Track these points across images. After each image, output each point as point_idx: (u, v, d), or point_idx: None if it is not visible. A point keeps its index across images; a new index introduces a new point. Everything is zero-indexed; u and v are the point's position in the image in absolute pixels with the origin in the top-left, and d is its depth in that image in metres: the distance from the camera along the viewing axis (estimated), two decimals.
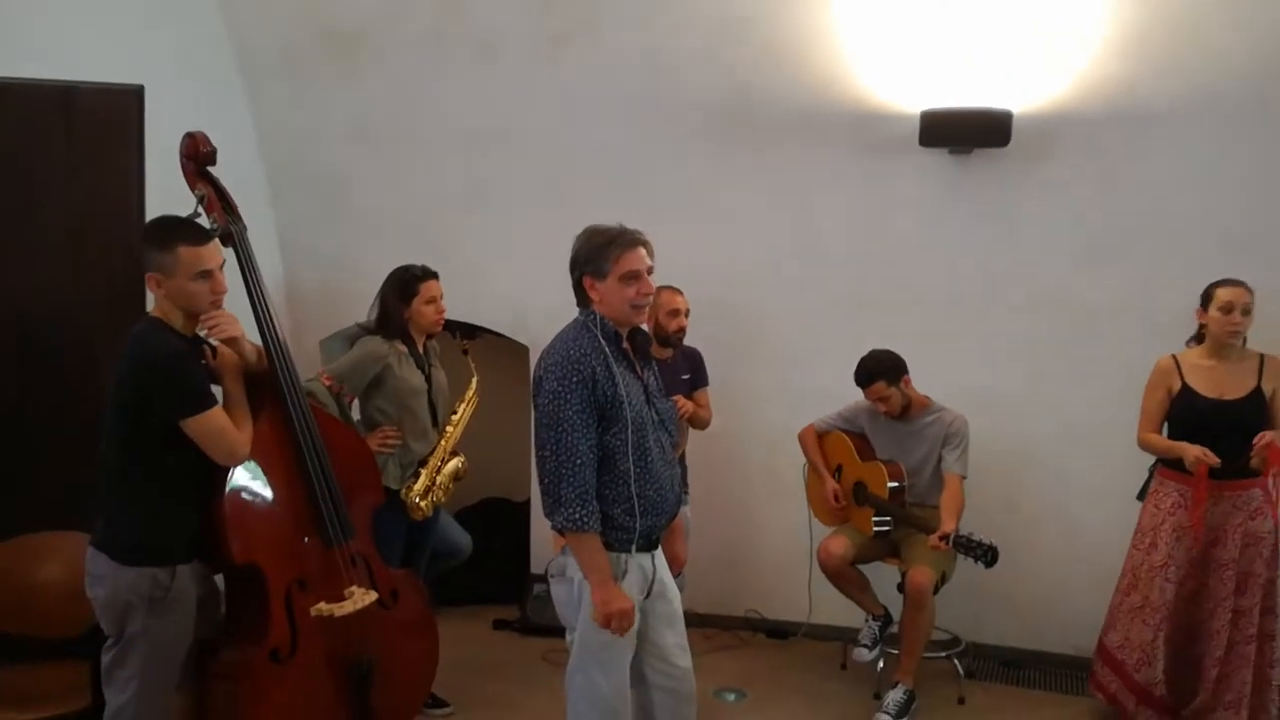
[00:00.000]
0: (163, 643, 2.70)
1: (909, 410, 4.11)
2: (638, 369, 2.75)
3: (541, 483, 2.65)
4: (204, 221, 2.91)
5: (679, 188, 4.62)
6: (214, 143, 3.00)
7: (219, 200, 3.00)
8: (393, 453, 3.67)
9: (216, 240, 2.83)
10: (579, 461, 2.57)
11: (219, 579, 2.95)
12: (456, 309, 3.88)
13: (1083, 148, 4.22)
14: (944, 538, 3.75)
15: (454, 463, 3.82)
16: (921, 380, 4.14)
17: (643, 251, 2.65)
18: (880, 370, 4.04)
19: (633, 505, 2.64)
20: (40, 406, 3.23)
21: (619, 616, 2.60)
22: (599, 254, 2.63)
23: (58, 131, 3.26)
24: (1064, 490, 4.41)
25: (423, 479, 3.71)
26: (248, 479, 2.85)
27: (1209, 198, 4.13)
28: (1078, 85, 4.17)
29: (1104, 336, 4.30)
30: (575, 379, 2.58)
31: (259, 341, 2.96)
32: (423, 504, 3.70)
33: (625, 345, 2.72)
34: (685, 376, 4.24)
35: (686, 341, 4.21)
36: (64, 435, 3.22)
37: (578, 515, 2.57)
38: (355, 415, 3.79)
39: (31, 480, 3.22)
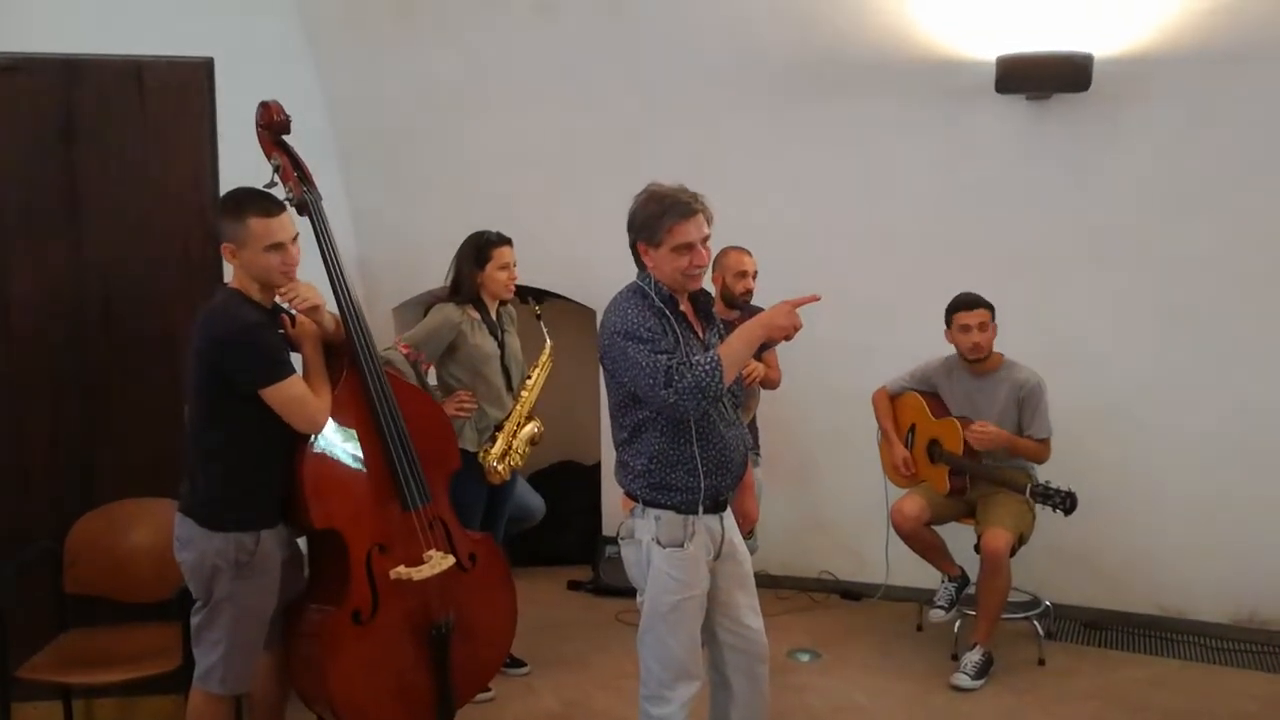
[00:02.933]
0: (249, 605, 2.76)
1: (984, 364, 4.02)
2: (698, 330, 2.73)
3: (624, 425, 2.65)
4: (279, 191, 2.92)
5: (746, 141, 4.55)
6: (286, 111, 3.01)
7: (294, 169, 3.00)
8: (469, 417, 3.69)
9: (288, 213, 2.83)
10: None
11: (301, 542, 3.01)
12: (523, 273, 3.88)
13: (1168, 92, 4.05)
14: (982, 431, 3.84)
15: (530, 427, 3.85)
16: (1001, 333, 4.03)
17: (699, 220, 2.59)
18: (983, 300, 3.95)
19: (695, 466, 2.62)
20: (125, 375, 3.31)
21: (784, 315, 2.60)
22: (653, 222, 2.60)
23: (132, 106, 3.30)
24: (1148, 447, 4.29)
25: (499, 443, 3.74)
26: (327, 446, 2.88)
27: None
28: (1162, 26, 3.99)
29: (1191, 288, 4.16)
30: (640, 336, 2.55)
31: (335, 310, 2.99)
32: (499, 467, 3.73)
33: (684, 307, 2.70)
34: None
35: (755, 300, 4.16)
36: (149, 403, 3.29)
37: (705, 372, 2.49)
38: (432, 382, 3.82)
39: (119, 448, 3.30)
